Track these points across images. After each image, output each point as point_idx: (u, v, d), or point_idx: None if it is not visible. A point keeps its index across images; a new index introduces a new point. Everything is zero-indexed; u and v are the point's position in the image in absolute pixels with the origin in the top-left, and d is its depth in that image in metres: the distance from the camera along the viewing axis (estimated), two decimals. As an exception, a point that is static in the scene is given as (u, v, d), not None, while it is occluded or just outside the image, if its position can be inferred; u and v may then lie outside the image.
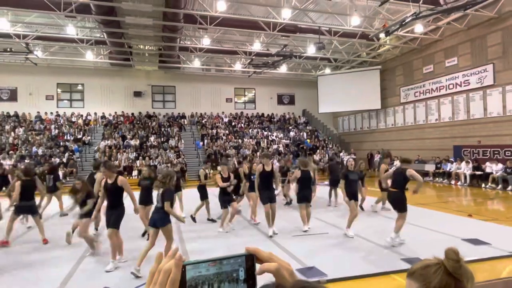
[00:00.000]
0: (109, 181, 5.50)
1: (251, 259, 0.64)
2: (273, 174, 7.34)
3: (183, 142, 23.55)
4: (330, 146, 26.22)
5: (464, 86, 17.63)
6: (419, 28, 17.88)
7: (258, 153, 22.01)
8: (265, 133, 26.34)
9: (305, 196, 7.36)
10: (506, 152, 15.28)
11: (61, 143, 21.44)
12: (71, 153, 20.37)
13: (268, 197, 7.18)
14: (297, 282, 0.56)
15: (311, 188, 7.63)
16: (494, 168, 14.78)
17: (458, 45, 17.95)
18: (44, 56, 21.68)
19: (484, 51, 16.56)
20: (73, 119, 24.25)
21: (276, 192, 7.91)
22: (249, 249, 0.65)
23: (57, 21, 17.89)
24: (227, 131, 25.63)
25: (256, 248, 0.65)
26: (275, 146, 24.45)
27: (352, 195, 6.98)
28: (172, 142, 23.03)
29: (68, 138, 22.32)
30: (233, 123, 27.07)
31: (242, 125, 27.00)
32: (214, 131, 25.31)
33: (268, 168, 7.22)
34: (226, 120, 27.34)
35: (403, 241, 6.23)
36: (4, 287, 4.72)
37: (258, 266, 0.65)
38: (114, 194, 5.50)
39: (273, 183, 7.54)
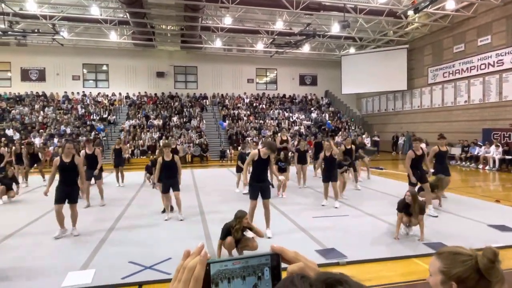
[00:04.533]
0: (66, 160, 5.99)
1: (276, 259, 0.63)
2: (269, 162, 6.05)
3: (204, 122, 23.75)
4: (353, 128, 25.79)
5: (498, 66, 16.75)
6: (450, 4, 16.94)
7: (279, 134, 21.94)
8: (287, 114, 26.15)
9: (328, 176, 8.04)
10: (540, 136, 14.57)
11: (88, 122, 22.09)
12: (97, 132, 20.98)
13: (258, 190, 5.95)
14: (321, 274, 0.55)
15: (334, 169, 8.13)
16: (525, 153, 14.16)
17: (493, 23, 16.95)
18: (70, 36, 22.11)
19: (521, 29, 15.60)
20: (99, 99, 24.85)
21: (281, 178, 7.91)
22: (274, 248, 0.64)
23: (81, 1, 18.10)
24: (248, 112, 25.61)
25: (281, 247, 0.64)
26: (296, 128, 24.28)
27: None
28: (194, 123, 23.28)
29: (94, 117, 22.95)
30: (254, 104, 26.98)
31: (264, 106, 26.88)
32: (236, 112, 25.34)
33: (264, 156, 5.93)
34: (247, 101, 27.27)
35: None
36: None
37: (283, 265, 0.64)
38: (72, 172, 6.07)
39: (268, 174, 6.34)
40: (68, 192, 5.96)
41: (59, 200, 5.90)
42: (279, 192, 9.44)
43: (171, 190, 7.05)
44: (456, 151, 17.53)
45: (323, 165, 8.42)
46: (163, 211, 7.31)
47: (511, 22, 16.07)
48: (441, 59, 20.44)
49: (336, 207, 7.82)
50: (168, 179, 7.00)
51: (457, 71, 19.22)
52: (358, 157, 11.63)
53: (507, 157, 14.78)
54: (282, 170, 9.54)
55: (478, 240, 5.34)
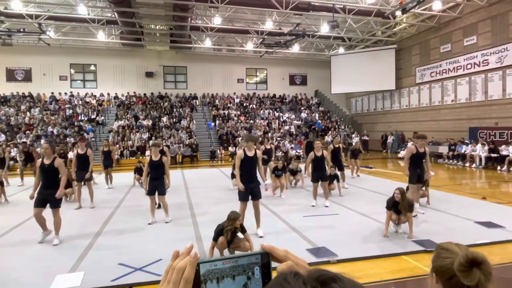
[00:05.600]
0: (46, 162, 5.72)
1: (266, 257, 0.63)
2: (257, 161, 5.86)
3: (194, 122, 23.64)
4: (342, 127, 25.98)
5: (483, 66, 17.06)
6: (437, 5, 17.21)
7: (269, 134, 22.00)
8: (277, 114, 26.20)
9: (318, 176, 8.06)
10: (524, 134, 14.89)
11: (76, 123, 21.78)
12: (85, 133, 20.69)
13: (248, 192, 5.76)
14: (314, 271, 0.55)
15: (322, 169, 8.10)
16: (510, 151, 14.45)
17: (478, 23, 17.27)
18: (56, 36, 21.78)
19: (505, 29, 15.91)
20: (87, 100, 24.52)
21: (267, 181, 7.93)
22: (264, 247, 0.64)
23: (68, 0, 17.83)
24: (238, 112, 25.59)
25: (271, 246, 0.64)
26: (286, 127, 24.35)
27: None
28: (184, 123, 23.15)
29: (82, 118, 22.64)
30: (244, 104, 26.97)
31: (254, 106, 26.88)
32: (226, 112, 25.29)
33: (250, 154, 5.80)
34: (237, 100, 27.25)
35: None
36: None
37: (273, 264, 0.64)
38: (51, 175, 5.74)
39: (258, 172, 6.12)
40: (47, 196, 5.66)
41: (37, 204, 5.64)
42: (275, 192, 9.49)
43: (156, 193, 6.89)
44: (443, 149, 17.81)
45: (311, 166, 8.40)
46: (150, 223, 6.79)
47: (496, 23, 16.39)
48: (429, 59, 20.74)
49: (326, 206, 7.87)
50: (153, 180, 6.83)
51: (444, 70, 19.52)
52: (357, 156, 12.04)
53: (493, 155, 15.07)
54: (278, 177, 9.64)
55: (465, 236, 5.44)
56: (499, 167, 14.51)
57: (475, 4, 16.78)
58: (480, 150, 15.53)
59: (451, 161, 17.03)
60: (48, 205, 5.71)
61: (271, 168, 11.07)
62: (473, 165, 15.62)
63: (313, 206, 7.98)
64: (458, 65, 18.53)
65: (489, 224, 6.17)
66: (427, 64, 20.84)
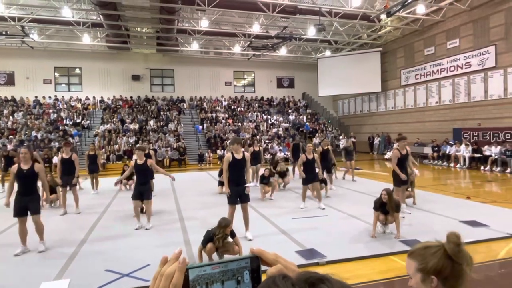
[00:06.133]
0: (24, 167, 5.46)
1: (256, 261, 0.62)
2: (245, 164, 5.83)
3: (182, 126, 23.50)
4: (330, 129, 26.19)
5: (466, 68, 17.47)
6: (421, 9, 17.58)
7: (257, 137, 22.03)
8: (265, 116, 26.26)
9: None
10: (506, 134, 15.27)
11: (60, 128, 21.39)
12: (70, 138, 20.34)
13: (237, 195, 5.78)
14: (303, 273, 0.55)
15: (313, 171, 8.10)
16: (493, 151, 14.81)
17: (460, 26, 17.69)
18: (40, 39, 21.39)
19: (486, 33, 16.33)
20: (72, 103, 24.13)
21: (251, 184, 7.88)
22: (253, 251, 0.63)
23: (52, 3, 17.54)
24: (226, 115, 25.55)
25: (261, 249, 0.63)
26: (274, 130, 24.42)
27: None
28: (171, 126, 22.98)
29: (67, 122, 22.26)
30: (232, 107, 26.94)
31: (242, 108, 26.88)
32: (214, 115, 25.22)
33: (239, 156, 5.78)
34: (225, 103, 27.21)
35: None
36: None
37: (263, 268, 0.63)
38: (30, 181, 5.50)
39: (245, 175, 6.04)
40: (26, 203, 5.39)
41: (18, 213, 5.37)
42: (264, 196, 9.45)
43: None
44: (428, 150, 18.13)
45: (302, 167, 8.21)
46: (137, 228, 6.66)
47: (477, 26, 16.81)
48: (413, 61, 21.11)
49: (323, 208, 7.85)
50: (139, 185, 6.74)
51: (428, 73, 19.90)
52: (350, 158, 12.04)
53: (476, 155, 15.41)
54: (266, 184, 9.65)
55: None
56: (482, 167, 14.85)
57: (458, 8, 17.18)
58: (464, 151, 15.86)
59: (436, 161, 17.34)
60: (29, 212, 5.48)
61: (259, 172, 11.15)
62: (458, 166, 15.93)
63: (301, 208, 7.98)
64: (442, 68, 18.92)
65: (474, 223, 6.29)
66: (411, 67, 21.21)
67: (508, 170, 13.76)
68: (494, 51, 15.92)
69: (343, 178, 12.39)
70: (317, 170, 8.16)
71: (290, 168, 13.08)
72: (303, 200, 8.16)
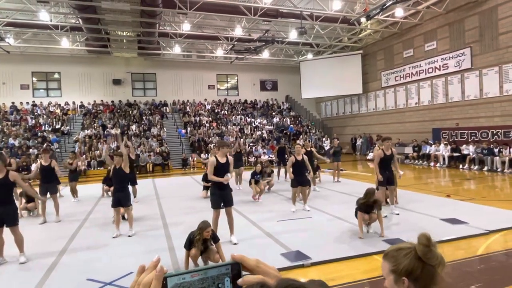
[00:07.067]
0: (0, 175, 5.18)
1: (237, 268, 0.61)
2: (229, 167, 5.81)
3: (165, 130, 23.24)
4: (313, 131, 26.41)
5: (443, 69, 17.95)
6: (399, 12, 18.00)
7: (241, 140, 21.98)
8: (249, 119, 26.27)
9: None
10: (483, 133, 15.75)
11: (39, 134, 20.82)
12: (49, 144, 19.82)
13: (221, 199, 5.76)
14: (282, 281, 0.54)
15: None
16: (470, 150, 15.25)
17: (437, 29, 18.18)
18: (16, 43, 20.81)
19: (461, 35, 16.84)
20: (51, 109, 23.53)
21: (238, 187, 7.85)
22: (234, 257, 0.62)
23: (28, 6, 17.10)
24: (210, 119, 25.43)
25: (242, 255, 0.62)
26: (258, 133, 24.45)
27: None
28: (154, 131, 22.70)
29: (46, 128, 21.68)
30: (216, 110, 26.85)
31: (225, 112, 26.82)
32: (197, 118, 25.06)
33: (222, 160, 5.75)
34: (208, 107, 27.09)
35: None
36: None
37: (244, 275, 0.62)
38: (4, 190, 5.20)
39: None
40: (1, 214, 5.13)
41: None
42: (256, 197, 9.45)
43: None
44: (409, 150, 18.51)
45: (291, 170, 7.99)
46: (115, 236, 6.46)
47: (453, 29, 17.31)
48: (393, 63, 21.56)
49: (308, 210, 7.86)
50: (117, 192, 6.55)
51: (408, 74, 20.35)
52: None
53: (455, 154, 15.82)
54: (256, 182, 9.63)
55: (432, 233, 5.53)
56: (461, 166, 15.26)
57: (434, 12, 17.66)
58: (443, 150, 16.27)
59: (416, 161, 17.72)
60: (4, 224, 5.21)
61: (241, 174, 11.12)
62: (437, 165, 16.32)
63: (293, 212, 7.80)
64: (420, 69, 19.38)
65: (454, 221, 6.45)
66: (391, 69, 21.65)
67: (485, 168, 14.19)
68: (469, 53, 16.42)
69: (335, 180, 12.30)
70: (307, 172, 8.10)
71: (275, 170, 13.14)
72: (293, 203, 8.09)
